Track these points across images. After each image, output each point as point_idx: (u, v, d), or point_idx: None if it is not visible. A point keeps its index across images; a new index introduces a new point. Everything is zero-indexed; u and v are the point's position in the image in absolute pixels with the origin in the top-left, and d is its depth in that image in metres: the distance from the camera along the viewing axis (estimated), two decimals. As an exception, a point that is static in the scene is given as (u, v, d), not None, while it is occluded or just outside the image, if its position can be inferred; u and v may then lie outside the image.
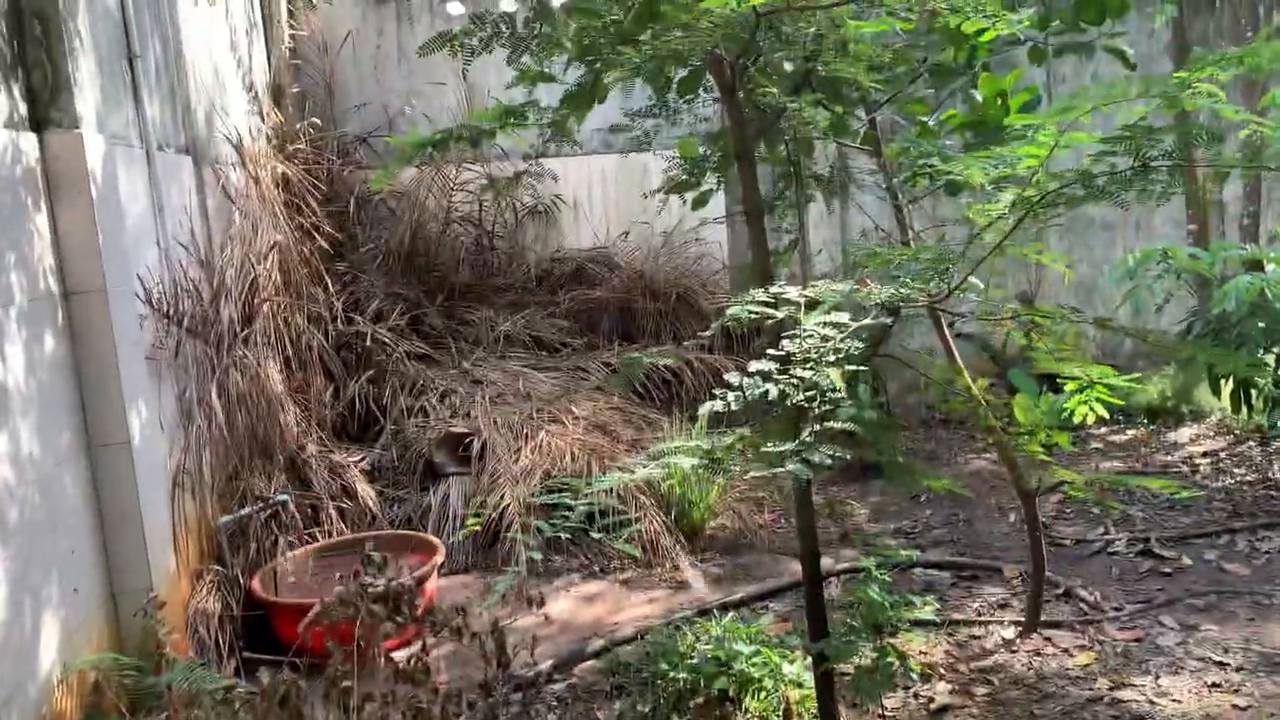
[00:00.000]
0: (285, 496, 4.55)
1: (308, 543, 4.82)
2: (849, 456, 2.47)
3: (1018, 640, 4.02)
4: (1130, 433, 6.73)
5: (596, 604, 4.73)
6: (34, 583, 2.87)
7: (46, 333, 3.08)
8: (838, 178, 3.57)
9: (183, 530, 3.97)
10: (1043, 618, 4.10)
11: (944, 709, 3.56)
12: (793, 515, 5.69)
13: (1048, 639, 4.01)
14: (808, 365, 2.61)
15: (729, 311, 2.64)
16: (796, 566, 5.21)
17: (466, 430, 5.62)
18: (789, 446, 2.51)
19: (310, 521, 4.94)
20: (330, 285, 5.95)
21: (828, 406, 2.51)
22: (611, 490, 5.36)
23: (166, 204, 4.13)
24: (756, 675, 3.64)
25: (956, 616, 4.24)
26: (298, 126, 6.36)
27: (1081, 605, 4.30)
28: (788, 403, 2.56)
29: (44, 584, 2.92)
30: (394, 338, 6.13)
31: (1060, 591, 4.42)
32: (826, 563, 4.85)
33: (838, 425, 2.51)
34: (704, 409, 2.68)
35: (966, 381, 3.79)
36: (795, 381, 2.58)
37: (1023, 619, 4.14)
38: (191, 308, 4.18)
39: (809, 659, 3.82)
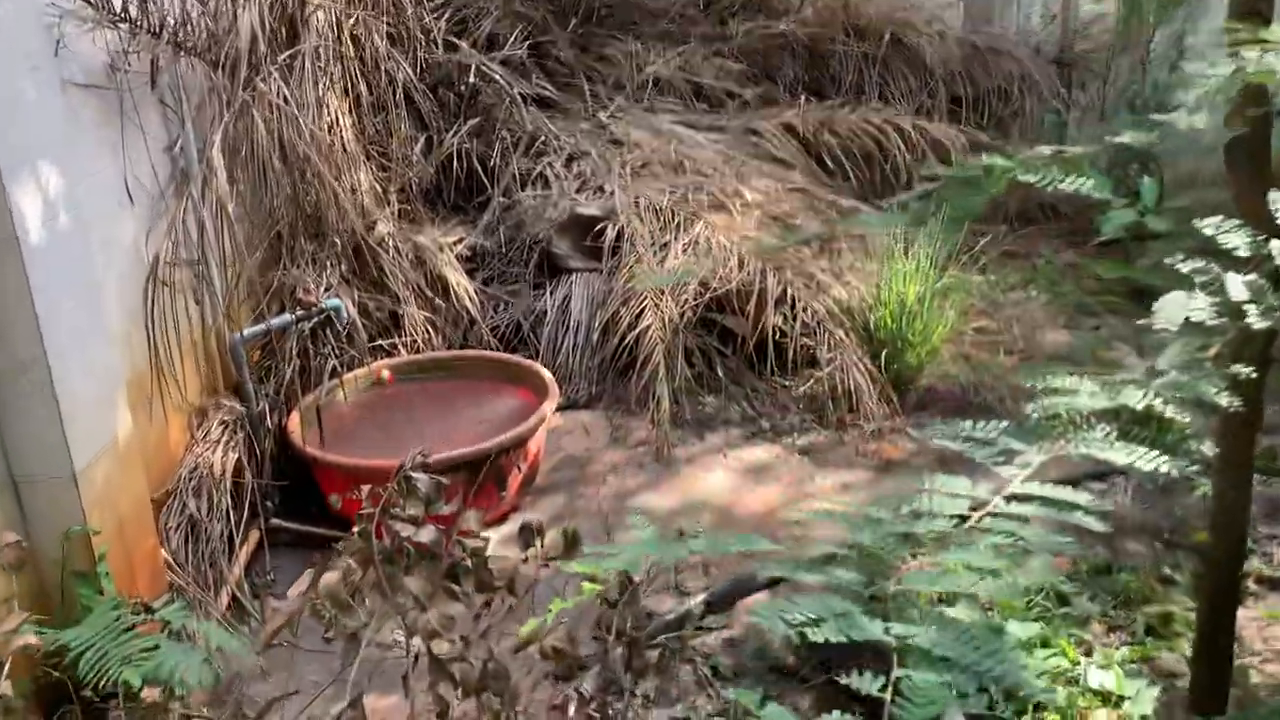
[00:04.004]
0: (337, 301, 3.20)
1: (380, 358, 3.53)
2: None
3: None
4: None
5: (766, 482, 3.33)
6: None
7: None
8: None
9: (172, 354, 2.66)
10: None
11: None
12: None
13: None
14: None
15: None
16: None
17: (599, 212, 4.11)
18: None
19: (385, 329, 3.62)
20: (425, -5, 4.33)
21: None
22: (791, 311, 3.83)
23: None
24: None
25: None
26: None
27: None
28: None
29: None
30: (509, 74, 4.53)
31: None
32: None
33: None
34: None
35: None
36: None
37: None
38: (180, 10, 2.68)
39: (1126, 658, 2.38)
